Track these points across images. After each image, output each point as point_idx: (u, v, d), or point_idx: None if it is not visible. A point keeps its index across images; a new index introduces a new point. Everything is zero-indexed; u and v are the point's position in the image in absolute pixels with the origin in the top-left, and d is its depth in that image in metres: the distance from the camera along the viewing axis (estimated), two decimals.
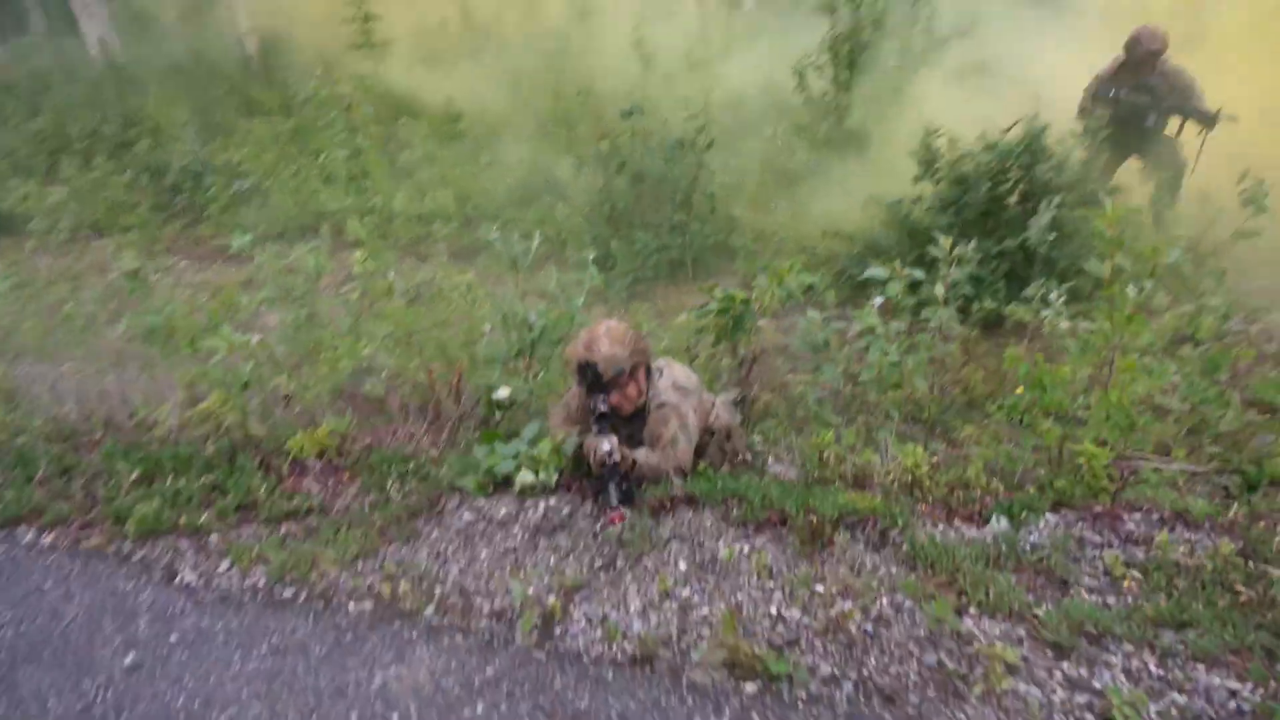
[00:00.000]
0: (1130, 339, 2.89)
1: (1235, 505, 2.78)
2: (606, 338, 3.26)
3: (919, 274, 3.66)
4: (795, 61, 7.59)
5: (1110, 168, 6.23)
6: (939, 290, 3.37)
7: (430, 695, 2.21)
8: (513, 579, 2.60)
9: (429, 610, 2.56)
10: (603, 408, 3.20)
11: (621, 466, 2.99)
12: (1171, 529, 2.68)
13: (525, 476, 3.22)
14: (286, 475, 3.45)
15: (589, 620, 2.46)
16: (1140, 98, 6.02)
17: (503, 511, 3.09)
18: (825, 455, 3.17)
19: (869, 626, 2.33)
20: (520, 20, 11.04)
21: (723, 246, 7.01)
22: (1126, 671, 2.06)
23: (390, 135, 9.06)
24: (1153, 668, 2.07)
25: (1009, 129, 5.87)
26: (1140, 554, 2.58)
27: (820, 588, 2.53)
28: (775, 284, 4.07)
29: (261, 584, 2.76)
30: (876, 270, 3.68)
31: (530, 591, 2.57)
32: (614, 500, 2.86)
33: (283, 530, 3.09)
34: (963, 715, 1.98)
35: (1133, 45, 5.98)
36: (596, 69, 9.48)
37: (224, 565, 2.87)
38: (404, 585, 2.68)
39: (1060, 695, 2.01)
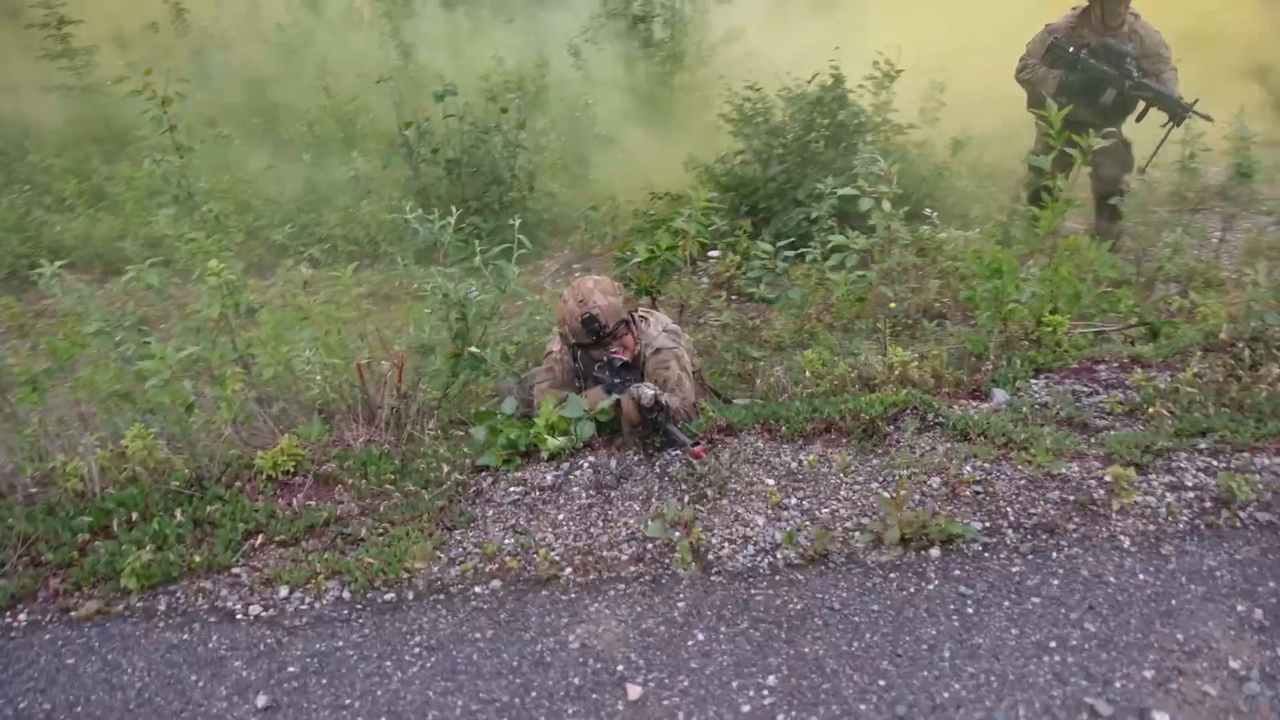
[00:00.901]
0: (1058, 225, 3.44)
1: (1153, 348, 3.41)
2: (598, 290, 3.27)
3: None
4: (577, 34, 7.82)
5: (1061, 161, 4.34)
6: (885, 205, 3.73)
7: (640, 641, 2.15)
8: (650, 521, 2.55)
9: (568, 571, 2.46)
10: (621, 358, 3.20)
11: (671, 408, 3.02)
12: (1133, 371, 3.24)
13: (556, 441, 3.13)
14: (274, 495, 3.07)
15: (731, 543, 2.50)
16: (1102, 64, 4.53)
17: (549, 478, 3.00)
18: (826, 368, 3.41)
19: (979, 488, 2.59)
20: (243, 18, 10.12)
21: (548, 222, 7.05)
22: (1202, 469, 2.51)
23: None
24: (1215, 462, 2.54)
25: (811, 79, 6.48)
26: (1122, 395, 3.09)
27: (905, 472, 2.76)
28: (698, 224, 4.26)
29: (350, 596, 2.47)
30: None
31: (648, 531, 2.55)
32: (682, 439, 2.89)
33: (308, 546, 2.77)
34: (1116, 526, 2.30)
35: None
36: (348, 60, 8.98)
37: (284, 591, 2.53)
38: (512, 560, 2.53)
39: (1170, 497, 2.41)
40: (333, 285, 5.01)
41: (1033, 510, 2.43)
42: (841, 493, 2.71)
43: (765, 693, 1.97)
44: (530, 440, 3.21)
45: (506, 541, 2.66)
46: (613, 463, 3.07)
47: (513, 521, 2.79)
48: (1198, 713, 1.76)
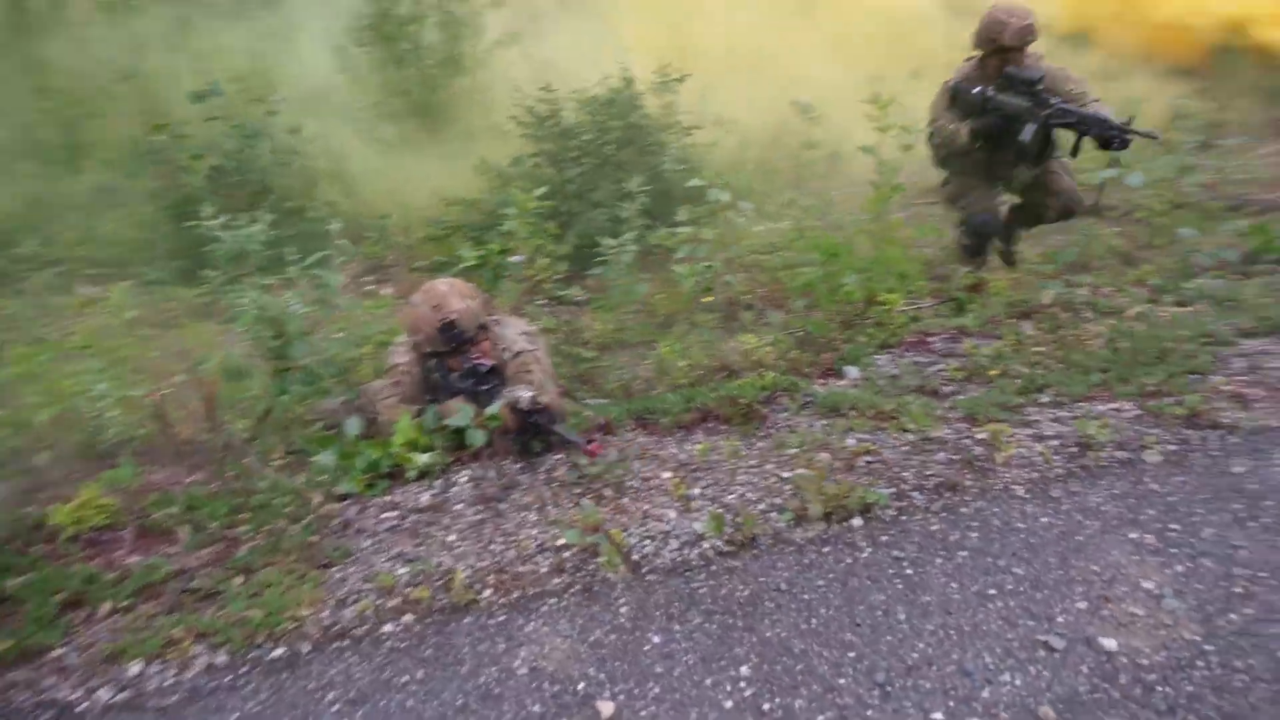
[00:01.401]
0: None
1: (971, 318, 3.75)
2: (454, 293, 3.10)
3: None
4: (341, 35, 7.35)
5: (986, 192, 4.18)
6: (724, 196, 3.81)
7: (593, 654, 2.02)
8: (566, 528, 2.40)
9: (487, 594, 2.26)
10: (487, 363, 3.03)
11: (550, 408, 2.90)
12: (960, 341, 3.54)
13: (424, 459, 2.90)
14: (87, 555, 2.59)
15: (651, 539, 2.42)
16: (1013, 98, 3.89)
17: (425, 499, 2.78)
18: (687, 359, 3.43)
19: (870, 458, 2.70)
20: None
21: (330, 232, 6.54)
22: (1053, 420, 2.77)
23: None
24: (1061, 413, 2.82)
25: (600, 82, 6.53)
26: (958, 362, 3.37)
27: (794, 450, 2.82)
28: (527, 225, 4.14)
29: (227, 659, 2.11)
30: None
31: (563, 542, 2.41)
32: (574, 438, 2.78)
33: (148, 610, 2.35)
34: (1005, 477, 2.49)
35: (993, 29, 3.94)
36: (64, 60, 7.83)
37: (135, 668, 2.11)
38: (419, 590, 2.29)
39: (1038, 446, 2.64)
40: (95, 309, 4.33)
41: (927, 472, 2.56)
42: (740, 477, 2.71)
43: (742, 684, 1.91)
44: (394, 460, 2.94)
45: (400, 571, 2.39)
46: (492, 474, 2.87)
47: (398, 550, 2.53)
48: (1134, 633, 1.92)
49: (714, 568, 2.29)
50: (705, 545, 2.38)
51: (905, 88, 5.63)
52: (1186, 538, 2.19)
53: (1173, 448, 2.53)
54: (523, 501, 2.71)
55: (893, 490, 2.49)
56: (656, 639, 2.06)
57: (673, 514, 2.53)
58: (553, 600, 2.22)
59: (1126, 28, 9.49)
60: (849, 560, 2.24)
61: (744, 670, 1.94)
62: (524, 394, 2.91)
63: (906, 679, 1.88)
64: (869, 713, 1.81)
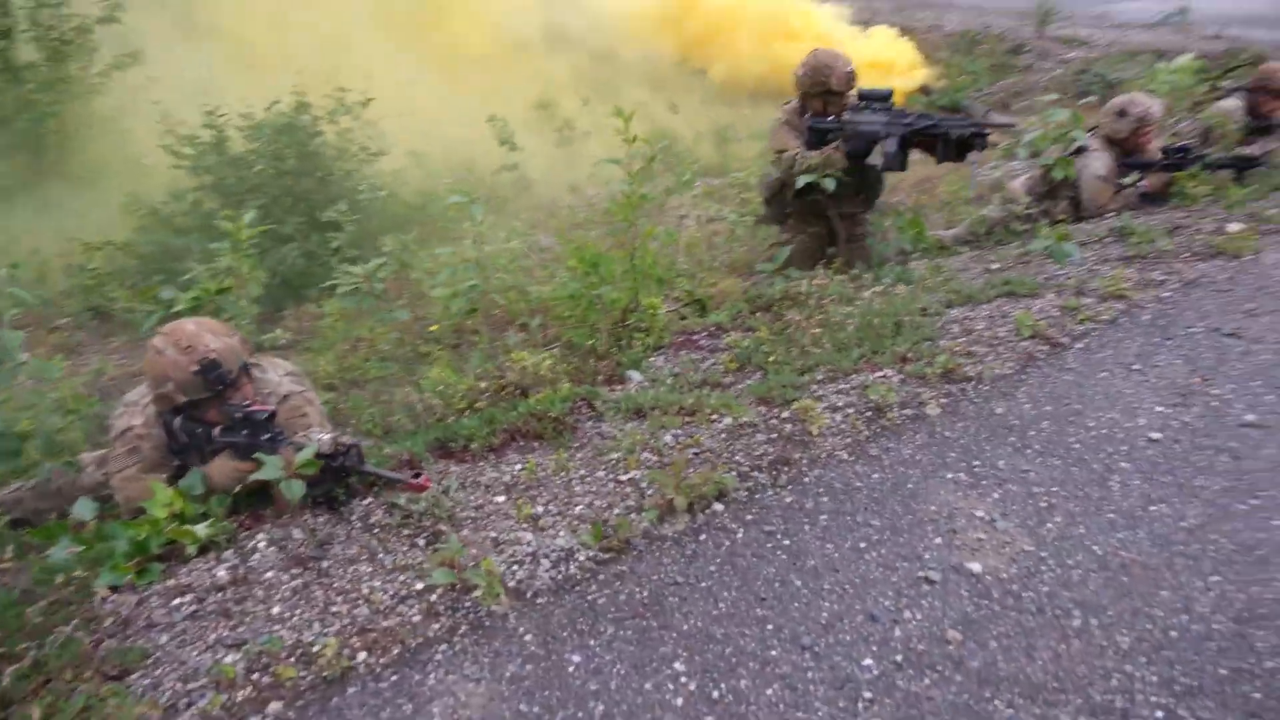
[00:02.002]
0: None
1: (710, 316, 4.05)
2: (207, 331, 2.76)
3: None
4: None
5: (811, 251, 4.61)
6: (479, 214, 3.71)
7: (517, 690, 1.89)
8: (425, 572, 2.19)
9: (362, 657, 2.00)
10: (266, 409, 2.71)
11: (357, 447, 2.65)
12: (720, 336, 3.81)
13: (206, 529, 2.51)
14: None
15: (518, 564, 2.31)
16: (874, 118, 4.11)
17: (222, 574, 2.39)
18: (463, 382, 3.32)
19: (695, 450, 2.82)
20: None
21: None
22: (836, 393, 3.09)
23: None
24: (843, 385, 3.16)
25: (271, 106, 6.08)
26: (727, 355, 3.63)
27: (616, 455, 2.86)
28: (250, 260, 3.74)
29: None
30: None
31: (423, 585, 2.22)
32: (394, 476, 2.56)
33: None
34: (826, 446, 2.73)
35: (822, 72, 4.26)
36: None
37: None
38: (282, 669, 1.98)
39: (838, 416, 2.93)
40: None
41: (756, 453, 2.72)
42: (578, 488, 2.67)
43: (682, 679, 1.89)
44: (165, 539, 2.49)
45: (232, 660, 2.03)
46: (296, 532, 2.54)
47: (213, 636, 2.15)
48: (987, 554, 2.21)
49: (601, 576, 2.23)
50: (580, 557, 2.31)
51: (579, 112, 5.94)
52: (988, 470, 2.56)
53: (945, 400, 2.95)
54: (347, 555, 2.42)
55: (734, 474, 2.61)
56: (577, 658, 1.96)
57: (528, 535, 2.42)
58: (443, 647, 2.02)
59: (737, 63, 10.82)
60: (728, 543, 2.31)
61: (679, 666, 1.92)
62: (323, 436, 2.62)
63: (827, 636, 1.99)
64: (809, 674, 1.89)
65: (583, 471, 2.76)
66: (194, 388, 2.63)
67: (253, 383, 2.85)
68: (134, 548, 2.42)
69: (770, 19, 10.44)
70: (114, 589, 2.32)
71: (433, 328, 4.64)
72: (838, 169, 4.23)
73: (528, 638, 2.02)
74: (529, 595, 2.18)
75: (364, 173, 6.37)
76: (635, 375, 3.50)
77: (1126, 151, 5.05)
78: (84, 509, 2.55)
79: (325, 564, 2.39)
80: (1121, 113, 4.93)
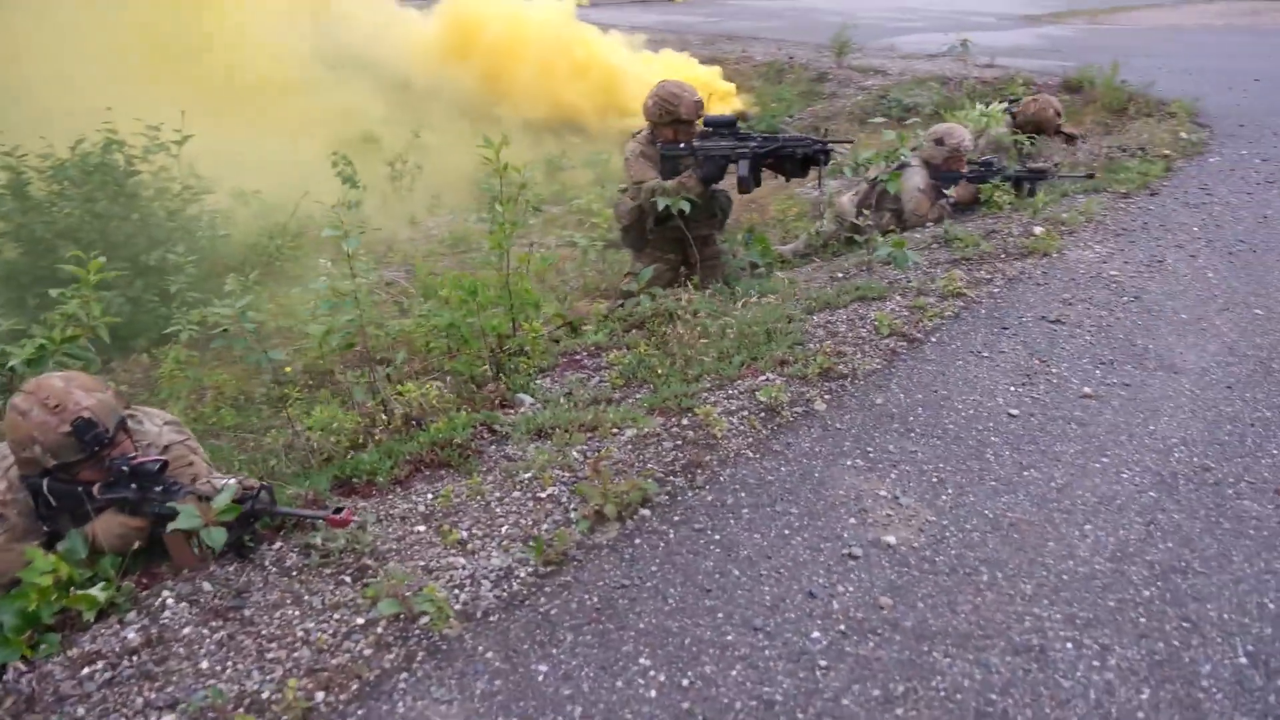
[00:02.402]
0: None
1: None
2: (77, 387, 2.61)
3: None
4: None
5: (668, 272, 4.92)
6: (351, 244, 3.65)
7: (492, 708, 1.92)
8: (373, 603, 2.16)
9: (320, 696, 1.96)
10: (157, 459, 2.59)
11: (268, 488, 2.58)
12: (599, 354, 3.93)
13: (102, 593, 2.38)
14: None
15: (458, 589, 2.33)
16: (723, 143, 4.46)
17: (132, 636, 2.27)
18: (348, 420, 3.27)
19: (607, 462, 2.92)
20: None
21: None
22: (727, 398, 3.29)
23: None
24: (732, 391, 3.36)
25: (76, 145, 5.70)
26: (613, 372, 3.76)
27: (528, 474, 2.92)
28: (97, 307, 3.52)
29: None
30: None
31: (364, 620, 2.20)
32: (310, 514, 2.51)
33: None
34: (732, 446, 2.90)
35: (671, 102, 4.49)
36: None
37: None
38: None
39: (735, 418, 3.11)
40: None
41: (667, 460, 2.86)
42: (497, 509, 2.70)
43: (652, 673, 1.98)
44: (56, 608, 2.32)
45: None
46: (205, 585, 2.43)
47: (140, 700, 2.03)
48: (898, 527, 2.45)
49: (547, 589, 2.28)
50: (521, 573, 2.34)
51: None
52: (881, 454, 2.82)
53: (828, 397, 3.20)
54: (269, 600, 2.34)
55: (652, 480, 2.72)
56: (544, 667, 2.00)
57: (460, 559, 2.44)
58: (404, 675, 2.01)
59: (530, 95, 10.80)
60: (663, 544, 2.42)
61: (644, 661, 2.01)
62: (227, 480, 2.52)
63: (774, 617, 2.14)
64: (766, 652, 2.03)
65: (498, 494, 2.79)
66: (67, 450, 2.46)
67: (131, 436, 2.69)
68: (23, 620, 2.23)
69: (556, 53, 10.63)
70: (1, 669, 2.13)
71: (286, 369, 4.49)
72: (694, 194, 4.49)
73: (489, 655, 2.04)
74: (479, 615, 2.19)
75: (188, 213, 6.06)
76: (526, 398, 3.55)
77: (938, 172, 5.64)
78: None
79: (247, 612, 2.30)
80: (939, 141, 5.51)
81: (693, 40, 11.79)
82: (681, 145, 4.59)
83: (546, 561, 2.37)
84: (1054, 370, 3.31)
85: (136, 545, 2.47)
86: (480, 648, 2.07)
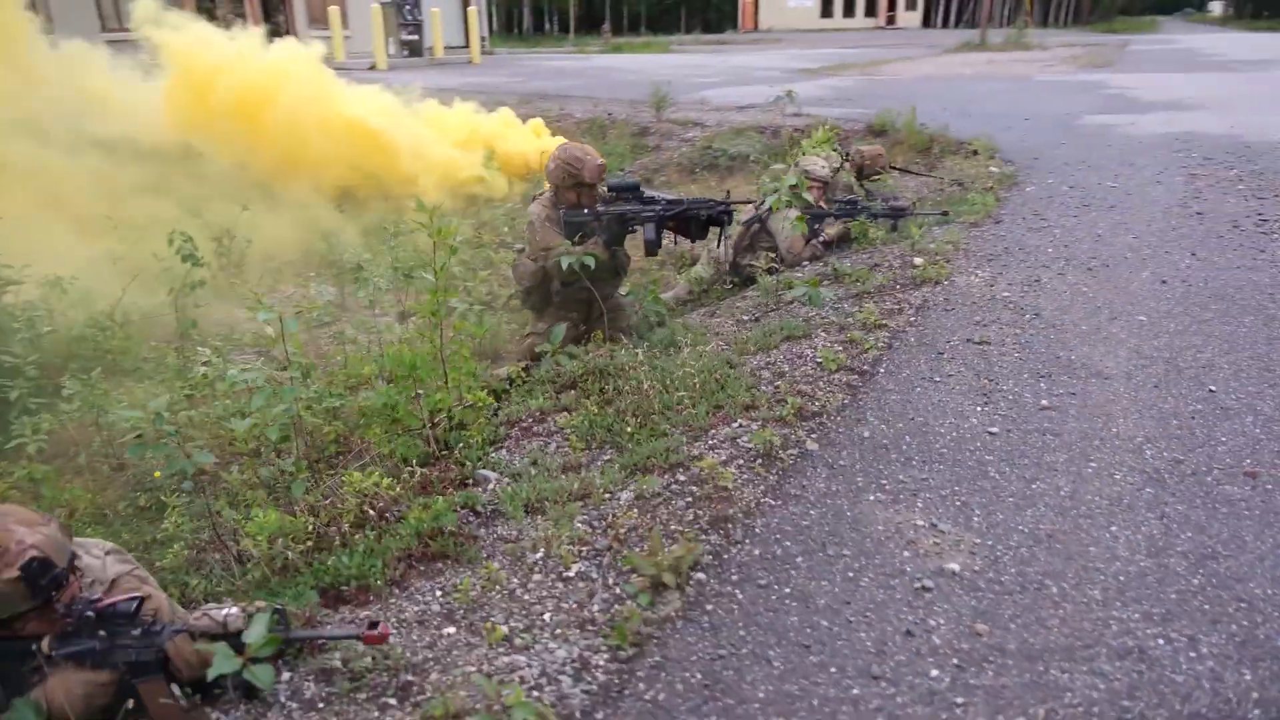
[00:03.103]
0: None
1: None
2: (17, 524, 2.23)
3: None
4: None
5: (573, 331, 4.76)
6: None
7: None
8: (480, 713, 1.93)
9: None
10: (134, 596, 2.25)
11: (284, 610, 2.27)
12: (546, 419, 3.78)
13: None
14: None
15: (536, 690, 2.14)
16: (627, 206, 4.65)
17: None
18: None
19: (630, 526, 2.80)
20: None
21: None
22: (709, 447, 3.25)
23: None
24: (713, 441, 3.32)
25: None
26: (572, 435, 3.63)
27: (540, 554, 2.75)
28: None
29: None
30: None
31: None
32: (341, 633, 2.22)
33: None
34: (747, 495, 2.87)
35: (574, 165, 4.55)
36: None
37: None
38: None
39: (732, 468, 3.08)
40: None
41: (688, 517, 2.77)
42: (526, 596, 2.52)
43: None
44: None
45: None
46: None
47: None
48: (950, 551, 2.49)
49: (639, 673, 2.13)
50: (599, 661, 2.18)
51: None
52: (896, 485, 2.88)
53: (815, 434, 3.24)
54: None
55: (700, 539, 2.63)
56: None
57: (518, 658, 2.23)
58: None
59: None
60: (736, 607, 2.33)
61: (760, 693, 1.91)
62: (229, 611, 2.19)
63: (886, 661, 2.11)
64: (898, 699, 1.99)
65: (517, 580, 2.59)
66: (14, 599, 2.04)
67: (78, 575, 2.28)
68: None
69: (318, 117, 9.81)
70: None
71: (155, 474, 3.99)
72: (600, 258, 4.53)
73: None
74: (579, 716, 2.00)
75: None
76: (490, 474, 3.34)
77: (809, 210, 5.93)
78: None
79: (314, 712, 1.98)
80: (808, 175, 5.81)
81: (508, 100, 11.81)
82: (585, 210, 4.61)
83: (623, 644, 2.21)
84: (1004, 388, 3.54)
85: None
86: None
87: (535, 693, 2.08)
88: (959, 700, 1.98)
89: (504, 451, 3.53)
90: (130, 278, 5.89)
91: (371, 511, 3.06)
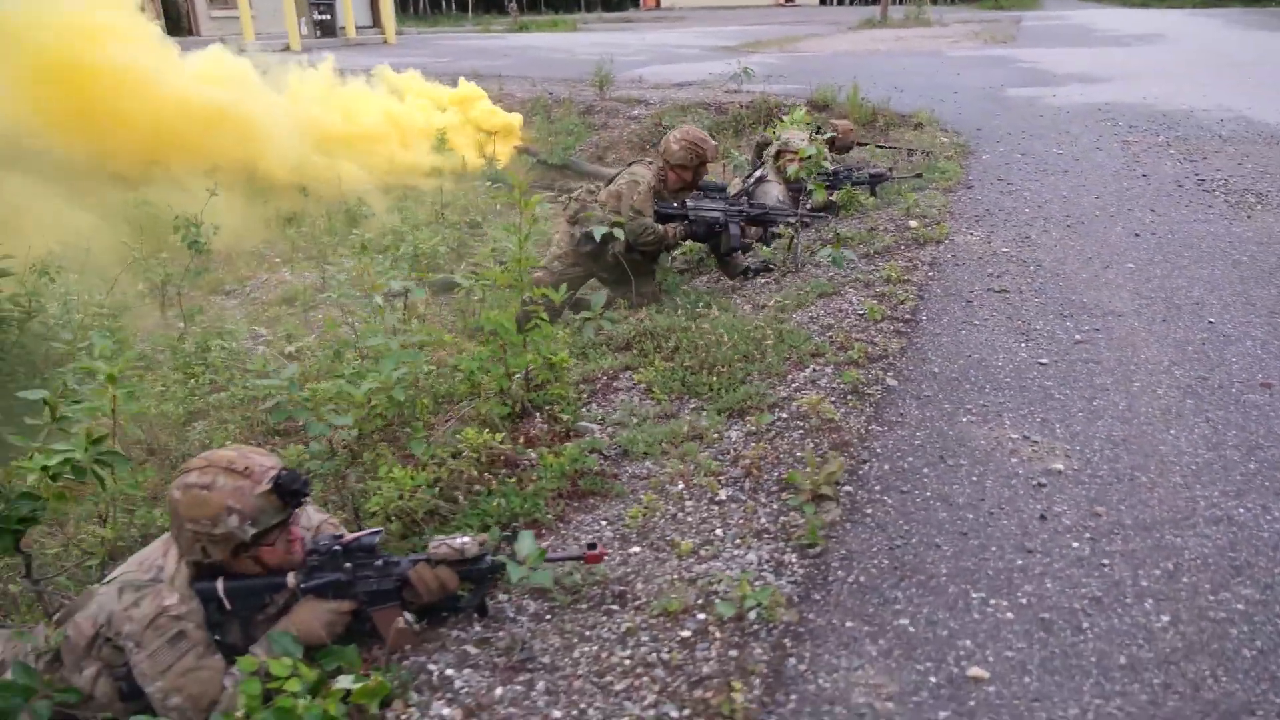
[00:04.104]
0: None
1: None
2: (251, 453, 2.51)
3: None
4: None
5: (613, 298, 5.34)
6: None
7: None
8: (721, 601, 2.30)
9: (741, 699, 2.11)
10: (372, 531, 2.56)
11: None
12: (617, 377, 4.14)
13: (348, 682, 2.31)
14: None
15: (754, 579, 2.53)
16: (713, 205, 5.24)
17: (446, 713, 2.25)
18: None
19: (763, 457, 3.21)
20: None
21: None
22: (796, 389, 3.69)
23: None
24: (791, 381, 3.76)
25: None
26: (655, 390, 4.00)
27: (677, 486, 3.12)
28: None
29: None
30: None
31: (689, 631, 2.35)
32: (565, 553, 2.56)
33: None
34: (849, 432, 3.32)
35: (701, 145, 5.11)
36: None
37: None
38: None
39: (826, 403, 3.53)
40: None
41: (809, 444, 3.20)
42: (693, 517, 2.89)
43: (990, 600, 2.34)
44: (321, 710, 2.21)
45: None
46: (470, 649, 2.42)
47: None
48: (1049, 455, 3.00)
49: (834, 564, 2.54)
50: (791, 558, 2.57)
51: None
52: (980, 409, 3.37)
53: (890, 372, 3.71)
54: (555, 645, 2.37)
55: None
56: (905, 621, 2.29)
57: (715, 564, 2.61)
58: (791, 662, 2.19)
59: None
60: (891, 508, 2.77)
61: (977, 595, 2.36)
62: (463, 540, 2.48)
63: (1035, 539, 2.59)
64: (1055, 565, 2.47)
65: (672, 508, 2.95)
66: (269, 512, 2.29)
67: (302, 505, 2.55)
68: None
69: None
70: None
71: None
72: (671, 247, 5.23)
73: (849, 624, 2.28)
74: (797, 601, 2.40)
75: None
76: (592, 426, 3.68)
77: (787, 179, 6.43)
78: None
79: (545, 660, 2.31)
80: (780, 152, 6.31)
81: (441, 81, 11.92)
82: (674, 205, 5.19)
83: (810, 545, 2.62)
84: (1037, 327, 4.10)
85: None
86: (835, 620, 2.30)
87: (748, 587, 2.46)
88: (1104, 562, 2.47)
89: (593, 407, 3.86)
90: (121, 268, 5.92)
91: (499, 462, 3.37)
